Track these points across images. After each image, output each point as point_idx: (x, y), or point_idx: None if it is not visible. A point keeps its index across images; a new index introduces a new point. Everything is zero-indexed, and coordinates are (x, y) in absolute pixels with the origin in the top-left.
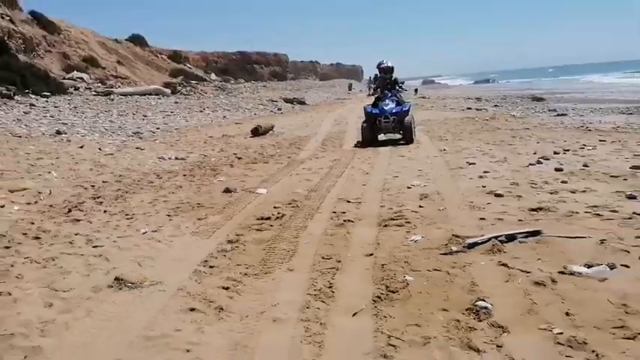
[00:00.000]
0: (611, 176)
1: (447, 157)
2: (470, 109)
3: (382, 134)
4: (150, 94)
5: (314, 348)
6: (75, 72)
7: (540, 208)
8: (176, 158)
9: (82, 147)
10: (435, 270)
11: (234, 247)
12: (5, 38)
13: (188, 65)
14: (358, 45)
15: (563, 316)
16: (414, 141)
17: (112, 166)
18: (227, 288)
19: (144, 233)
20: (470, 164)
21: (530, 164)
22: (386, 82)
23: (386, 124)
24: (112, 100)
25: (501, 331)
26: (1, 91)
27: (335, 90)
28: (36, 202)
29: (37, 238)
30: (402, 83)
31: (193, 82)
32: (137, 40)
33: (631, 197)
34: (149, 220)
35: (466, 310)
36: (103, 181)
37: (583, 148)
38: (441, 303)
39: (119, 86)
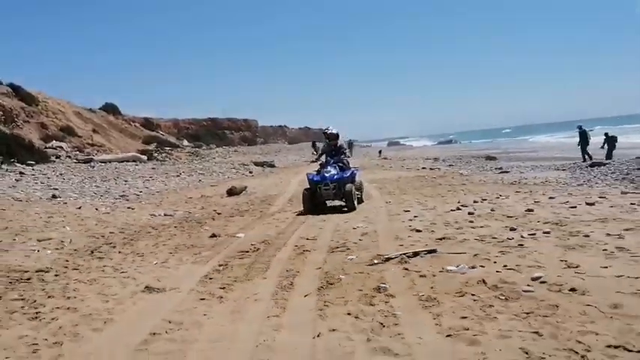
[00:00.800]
0: (508, 217)
1: (389, 207)
2: (425, 168)
3: (319, 201)
4: (127, 161)
5: (280, 309)
6: (54, 141)
7: (444, 238)
8: (165, 215)
9: (79, 208)
10: (360, 272)
11: (225, 268)
12: None
13: (161, 132)
14: (326, 108)
15: (429, 289)
16: (365, 199)
17: (113, 221)
18: (223, 288)
19: (155, 264)
20: (406, 211)
21: (452, 210)
22: (331, 148)
23: (326, 191)
24: (93, 167)
25: (390, 297)
26: None
27: (303, 152)
28: (62, 248)
29: (75, 269)
30: (346, 150)
31: (167, 148)
32: (110, 108)
33: (512, 229)
34: (156, 256)
35: (373, 289)
36: (110, 232)
37: (499, 197)
38: (359, 287)
39: (96, 154)
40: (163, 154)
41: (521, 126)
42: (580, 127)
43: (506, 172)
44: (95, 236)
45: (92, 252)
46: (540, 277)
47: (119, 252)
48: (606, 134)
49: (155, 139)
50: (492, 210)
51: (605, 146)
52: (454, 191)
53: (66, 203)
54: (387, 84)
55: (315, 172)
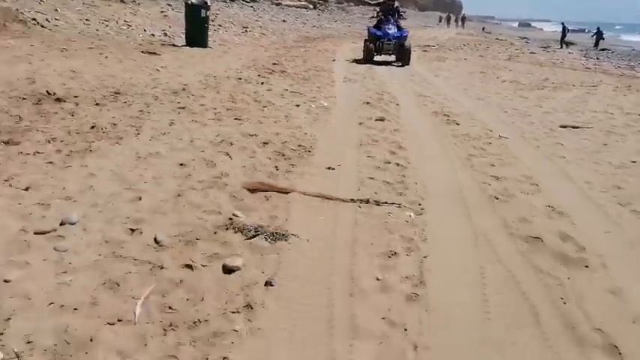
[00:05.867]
0: (466, 46)
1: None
2: (497, 39)
3: (380, 55)
4: (301, 8)
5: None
6: None
7: (438, 45)
8: (344, 34)
9: (303, 25)
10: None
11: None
12: None
13: None
14: None
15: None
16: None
17: (316, 33)
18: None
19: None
20: (433, 46)
21: (457, 47)
22: (388, 7)
23: (387, 46)
24: (283, 9)
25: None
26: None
27: (426, 20)
28: (298, 36)
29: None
30: (404, 12)
31: (320, 2)
32: None
33: (465, 59)
34: (344, 40)
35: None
36: (310, 36)
37: (486, 48)
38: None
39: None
40: (322, 6)
41: None
42: (563, 24)
43: (545, 48)
44: (313, 34)
45: (310, 41)
46: (435, 47)
47: (327, 40)
48: (598, 28)
49: None
50: (465, 45)
51: (594, 38)
52: (472, 46)
53: (287, 22)
54: None
55: (374, 27)
